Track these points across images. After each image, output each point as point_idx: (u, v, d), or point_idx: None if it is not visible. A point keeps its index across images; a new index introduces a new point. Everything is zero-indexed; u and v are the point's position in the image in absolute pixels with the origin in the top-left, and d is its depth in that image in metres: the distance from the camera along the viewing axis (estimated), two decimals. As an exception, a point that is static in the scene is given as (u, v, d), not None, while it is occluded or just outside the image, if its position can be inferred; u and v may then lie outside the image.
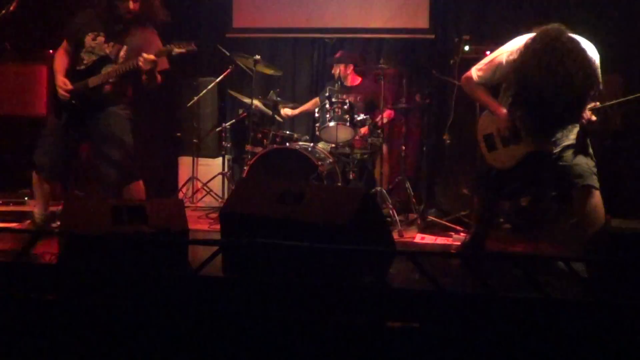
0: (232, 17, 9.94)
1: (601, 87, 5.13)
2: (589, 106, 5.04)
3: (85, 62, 5.85)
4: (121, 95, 6.00)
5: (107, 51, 5.83)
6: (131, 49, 5.80)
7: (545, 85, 4.83)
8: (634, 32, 8.17)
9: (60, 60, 5.98)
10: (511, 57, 5.18)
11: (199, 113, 9.15)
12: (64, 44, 6.03)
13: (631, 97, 5.11)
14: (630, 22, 8.24)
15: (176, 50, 5.82)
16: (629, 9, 8.23)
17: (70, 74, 5.89)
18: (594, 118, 5.04)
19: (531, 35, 5.08)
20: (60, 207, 6.08)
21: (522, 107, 5.15)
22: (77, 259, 4.22)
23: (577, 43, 4.92)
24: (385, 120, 8.11)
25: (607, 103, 5.05)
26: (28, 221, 6.28)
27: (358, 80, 8.74)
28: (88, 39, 5.86)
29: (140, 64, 5.62)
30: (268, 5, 9.86)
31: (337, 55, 8.85)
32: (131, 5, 5.73)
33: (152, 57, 5.64)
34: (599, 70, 5.09)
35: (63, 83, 5.80)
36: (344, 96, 8.00)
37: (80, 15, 5.94)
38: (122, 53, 5.81)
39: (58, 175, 6.13)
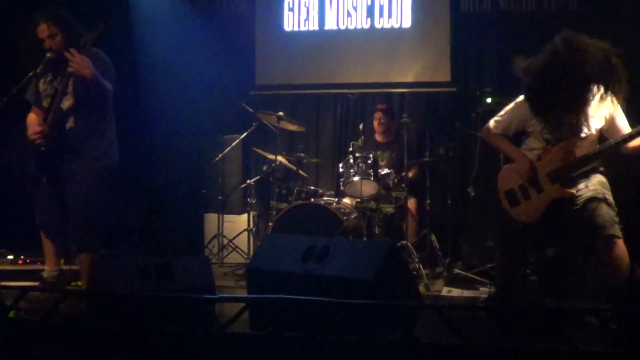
0: (254, 74, 10.06)
1: (626, 128, 5.15)
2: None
3: (46, 109, 5.83)
4: (92, 135, 5.93)
5: (56, 86, 5.81)
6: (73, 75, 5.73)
7: (553, 76, 4.91)
8: None
9: (30, 120, 5.95)
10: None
11: (223, 170, 9.23)
12: (32, 107, 6.06)
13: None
14: None
15: (89, 37, 5.71)
16: None
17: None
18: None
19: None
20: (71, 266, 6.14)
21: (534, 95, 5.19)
22: (104, 318, 4.23)
23: (597, 42, 5.01)
24: (410, 175, 8.15)
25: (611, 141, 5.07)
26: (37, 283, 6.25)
27: (389, 136, 8.78)
28: (41, 86, 5.93)
29: (70, 69, 5.59)
30: (290, 61, 9.98)
31: (384, 105, 8.96)
32: (47, 44, 5.76)
33: (71, 55, 5.56)
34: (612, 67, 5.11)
35: (33, 131, 5.75)
36: (377, 152, 8.18)
37: (31, 76, 5.90)
38: (70, 83, 5.77)
39: (57, 231, 6.07)
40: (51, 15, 5.82)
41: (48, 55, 5.77)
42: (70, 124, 5.83)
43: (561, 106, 5.08)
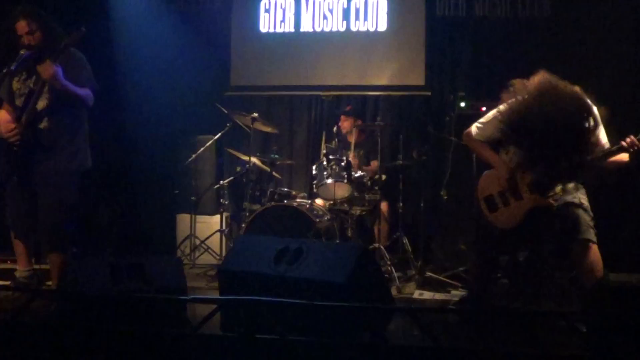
0: (229, 75, 10.04)
1: (605, 144, 5.19)
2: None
3: (20, 107, 5.83)
4: (64, 136, 5.93)
5: (30, 85, 5.83)
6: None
7: (543, 120, 4.91)
8: (630, 89, 8.30)
9: (2, 118, 5.88)
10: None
11: (197, 170, 9.18)
12: (4, 104, 6.03)
13: (612, 148, 5.13)
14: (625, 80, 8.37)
15: (69, 40, 5.75)
16: (624, 66, 8.37)
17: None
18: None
19: (527, 81, 5.16)
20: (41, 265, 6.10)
21: (522, 154, 5.21)
22: (76, 318, 4.20)
23: (572, 89, 5.01)
24: (386, 183, 8.20)
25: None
26: (9, 282, 6.21)
27: (361, 136, 8.79)
28: (15, 84, 5.92)
29: (43, 76, 5.64)
30: (265, 63, 9.97)
31: (348, 108, 8.92)
32: (26, 40, 5.74)
33: (46, 64, 5.62)
34: (598, 123, 5.15)
35: (6, 129, 5.75)
36: (353, 153, 8.20)
37: (4, 72, 5.82)
38: (45, 83, 5.76)
39: (28, 231, 6.05)
40: (32, 12, 5.81)
41: (22, 52, 5.72)
42: (44, 124, 5.81)
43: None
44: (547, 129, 4.94)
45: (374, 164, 8.41)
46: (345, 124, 8.79)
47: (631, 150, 5.01)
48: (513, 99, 5.24)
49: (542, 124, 4.95)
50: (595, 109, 5.13)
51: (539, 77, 5.11)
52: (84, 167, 6.08)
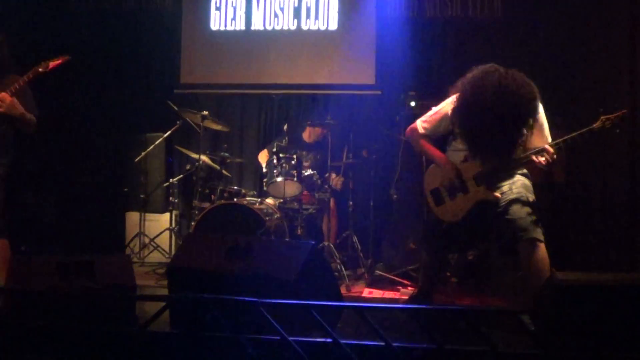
0: (179, 72, 9.99)
1: (548, 139, 5.24)
2: (547, 144, 5.14)
3: None
4: (5, 144, 5.99)
5: None
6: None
7: (484, 118, 4.95)
8: (579, 84, 8.40)
9: None
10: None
11: (146, 168, 9.13)
12: None
13: (584, 129, 5.18)
14: (574, 75, 8.46)
15: (51, 64, 5.99)
16: (574, 63, 8.47)
17: None
18: (543, 160, 5.12)
19: (469, 74, 5.21)
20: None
21: (465, 136, 5.25)
22: (24, 316, 4.16)
23: (514, 72, 5.07)
24: (335, 184, 8.22)
25: (567, 136, 5.12)
26: None
27: (316, 136, 8.79)
28: None
29: (2, 109, 5.77)
30: (216, 61, 9.92)
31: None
32: None
33: (6, 97, 5.78)
34: (542, 120, 5.22)
35: None
36: (304, 153, 8.26)
37: None
38: None
39: None
40: None
41: None
42: None
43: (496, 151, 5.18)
44: (480, 123, 5.01)
45: (335, 178, 8.43)
46: (311, 132, 8.78)
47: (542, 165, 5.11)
48: (455, 96, 5.30)
49: (481, 118, 5.01)
50: (539, 105, 5.20)
51: (479, 70, 5.18)
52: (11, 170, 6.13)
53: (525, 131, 5.14)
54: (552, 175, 7.40)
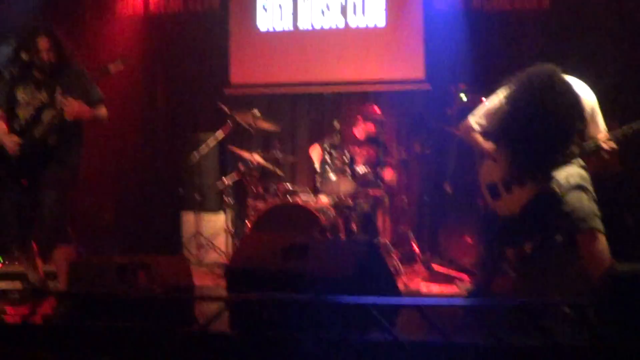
0: (229, 73, 10.04)
1: (602, 130, 5.18)
2: (608, 134, 5.09)
3: (24, 117, 5.90)
4: (69, 146, 6.01)
5: (42, 99, 5.89)
6: (65, 89, 5.87)
7: (535, 119, 4.90)
8: (631, 79, 8.28)
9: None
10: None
11: (200, 168, 9.18)
12: None
13: (613, 132, 5.12)
14: (628, 69, 8.35)
15: (112, 67, 6.03)
16: (626, 55, 8.35)
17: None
18: (609, 146, 5.07)
19: (523, 73, 5.14)
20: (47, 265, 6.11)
21: (512, 144, 5.20)
22: (84, 318, 4.21)
23: (568, 82, 5.00)
24: (388, 178, 8.19)
25: (624, 127, 5.06)
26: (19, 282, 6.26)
27: (369, 132, 8.77)
28: (20, 94, 5.94)
29: (66, 116, 5.78)
30: (265, 60, 9.96)
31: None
32: (45, 56, 5.87)
33: (71, 103, 5.77)
34: (595, 112, 5.16)
35: (8, 140, 5.82)
36: (356, 149, 8.19)
37: (4, 78, 6.01)
38: (57, 96, 5.84)
39: (21, 239, 6.02)
40: (54, 30, 5.96)
41: (23, 56, 5.85)
42: (52, 139, 5.87)
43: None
44: (535, 121, 4.95)
45: (388, 174, 8.40)
46: (363, 128, 8.75)
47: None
48: (508, 91, 5.25)
49: (532, 116, 4.96)
50: (591, 97, 5.14)
51: (532, 70, 5.11)
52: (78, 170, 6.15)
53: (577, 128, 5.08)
54: (607, 165, 7.27)
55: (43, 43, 5.86)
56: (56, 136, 5.85)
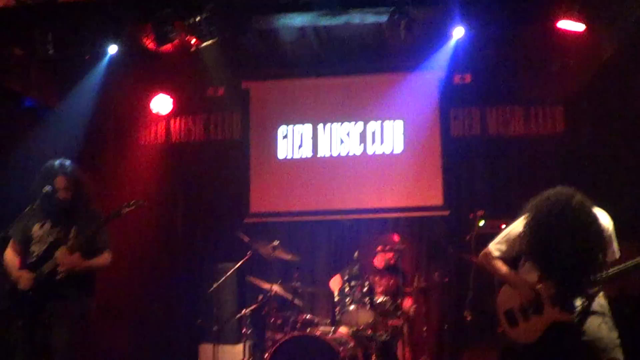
0: (249, 202, 10.12)
1: (617, 255, 5.14)
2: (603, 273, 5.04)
3: (36, 253, 6.02)
4: (79, 283, 6.07)
5: (56, 236, 6.03)
6: (80, 228, 6.03)
7: (554, 245, 4.87)
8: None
9: (11, 258, 6.15)
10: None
11: (218, 299, 9.13)
12: (11, 243, 6.21)
13: (635, 260, 5.07)
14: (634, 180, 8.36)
15: (125, 209, 6.13)
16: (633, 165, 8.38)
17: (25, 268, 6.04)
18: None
19: (543, 196, 5.14)
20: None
21: (538, 268, 5.16)
22: None
23: (587, 206, 4.98)
24: (409, 308, 8.15)
25: (613, 269, 5.02)
26: None
27: (389, 261, 8.76)
28: (35, 230, 6.08)
29: (59, 268, 5.90)
30: (284, 189, 10.08)
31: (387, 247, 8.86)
32: (62, 194, 6.06)
33: (64, 256, 5.91)
34: (612, 237, 5.14)
35: (20, 276, 5.94)
36: (376, 278, 8.24)
37: (24, 213, 6.14)
38: (71, 235, 6.01)
39: None
40: (73, 171, 6.20)
41: (45, 189, 6.00)
42: (60, 276, 5.96)
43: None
44: (555, 248, 4.93)
45: (407, 303, 8.36)
46: (382, 257, 8.75)
47: None
48: (528, 216, 5.24)
49: (552, 243, 4.94)
50: (608, 221, 5.13)
51: (552, 194, 5.12)
52: (90, 307, 6.22)
53: (599, 255, 5.05)
54: (627, 287, 7.22)
55: (60, 182, 6.04)
56: (66, 273, 5.93)
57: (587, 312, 5.13)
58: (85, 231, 5.98)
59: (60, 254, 5.88)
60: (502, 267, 5.52)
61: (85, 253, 6.01)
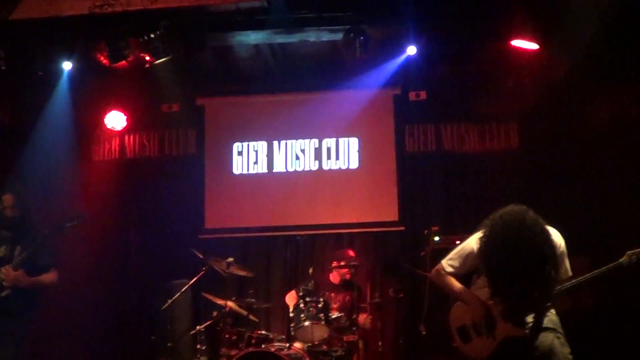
0: (204, 218, 10.09)
1: (569, 274, 5.20)
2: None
3: None
4: (24, 300, 6.15)
5: (2, 253, 6.16)
6: (24, 245, 6.14)
7: (508, 261, 4.90)
8: (599, 215, 8.37)
9: None
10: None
11: (173, 315, 9.06)
12: None
13: (585, 276, 5.13)
14: (595, 206, 8.45)
15: (67, 224, 6.27)
16: (593, 193, 8.47)
17: None
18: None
19: (497, 213, 5.17)
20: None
21: (490, 285, 5.18)
22: None
23: (540, 223, 5.02)
24: (364, 322, 8.17)
25: (589, 274, 5.06)
26: None
27: (343, 276, 8.76)
28: None
29: (4, 284, 6.06)
30: (239, 205, 10.06)
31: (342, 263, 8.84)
32: (9, 212, 6.21)
33: (9, 273, 6.05)
34: (564, 255, 5.19)
35: None
36: (332, 294, 8.24)
37: None
38: (16, 253, 6.12)
39: None
40: (20, 191, 6.36)
41: None
42: (5, 293, 6.02)
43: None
44: (508, 266, 4.97)
45: (363, 318, 8.37)
46: (337, 273, 8.76)
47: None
48: (482, 234, 5.27)
49: (505, 261, 4.98)
50: (560, 240, 5.18)
51: (506, 212, 5.16)
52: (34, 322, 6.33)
53: (551, 273, 5.09)
54: (579, 301, 7.28)
55: (8, 200, 6.07)
56: (10, 290, 5.94)
57: (539, 327, 5.17)
58: (29, 248, 5.99)
59: (5, 270, 5.92)
60: (454, 284, 5.54)
61: (30, 270, 6.01)
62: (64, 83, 9.02)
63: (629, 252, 4.99)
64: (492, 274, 5.16)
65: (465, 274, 5.55)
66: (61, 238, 6.35)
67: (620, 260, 5.01)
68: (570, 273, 5.25)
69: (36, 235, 6.18)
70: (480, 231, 5.28)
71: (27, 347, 6.13)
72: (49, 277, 6.29)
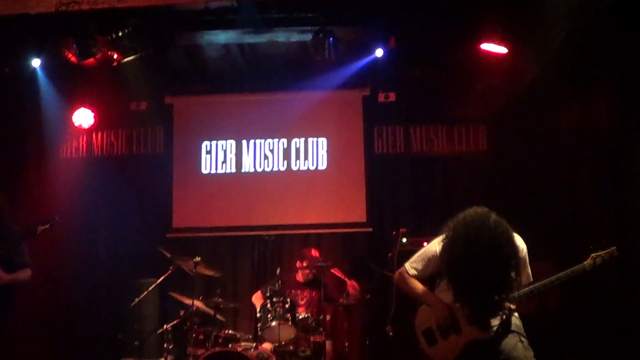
0: (172, 217, 10.06)
1: (530, 279, 5.23)
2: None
3: None
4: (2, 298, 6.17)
5: None
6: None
7: (469, 262, 4.92)
8: (566, 217, 8.42)
9: None
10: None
11: (140, 314, 9.04)
12: None
13: (549, 279, 5.16)
14: (563, 208, 8.51)
15: (40, 227, 6.23)
16: (561, 196, 8.52)
17: None
18: (512, 306, 5.11)
19: (459, 216, 5.19)
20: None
21: (453, 287, 5.21)
22: None
23: (503, 226, 5.05)
24: (354, 292, 8.21)
25: (555, 277, 5.09)
26: None
27: (310, 276, 8.78)
28: None
29: None
30: (207, 204, 10.05)
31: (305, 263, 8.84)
32: None
33: None
34: (526, 260, 5.22)
35: None
36: (298, 292, 8.31)
37: None
38: None
39: None
40: None
41: None
42: None
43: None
44: (470, 268, 4.99)
45: (352, 287, 8.41)
46: (304, 273, 8.78)
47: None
48: (445, 236, 5.29)
49: (467, 263, 5.00)
50: (522, 245, 5.21)
51: (468, 214, 5.18)
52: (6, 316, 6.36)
53: (512, 275, 5.12)
54: (545, 304, 7.34)
55: None
56: None
57: (503, 331, 5.21)
58: (5, 247, 5.99)
59: None
60: (418, 286, 5.55)
61: (7, 268, 6.01)
62: (32, 80, 8.95)
63: (593, 254, 5.04)
64: (453, 275, 5.18)
65: (429, 276, 5.57)
66: (33, 240, 6.34)
67: (584, 262, 5.05)
68: (531, 279, 5.28)
69: (11, 235, 6.19)
70: (443, 234, 5.31)
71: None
72: (25, 274, 6.31)
